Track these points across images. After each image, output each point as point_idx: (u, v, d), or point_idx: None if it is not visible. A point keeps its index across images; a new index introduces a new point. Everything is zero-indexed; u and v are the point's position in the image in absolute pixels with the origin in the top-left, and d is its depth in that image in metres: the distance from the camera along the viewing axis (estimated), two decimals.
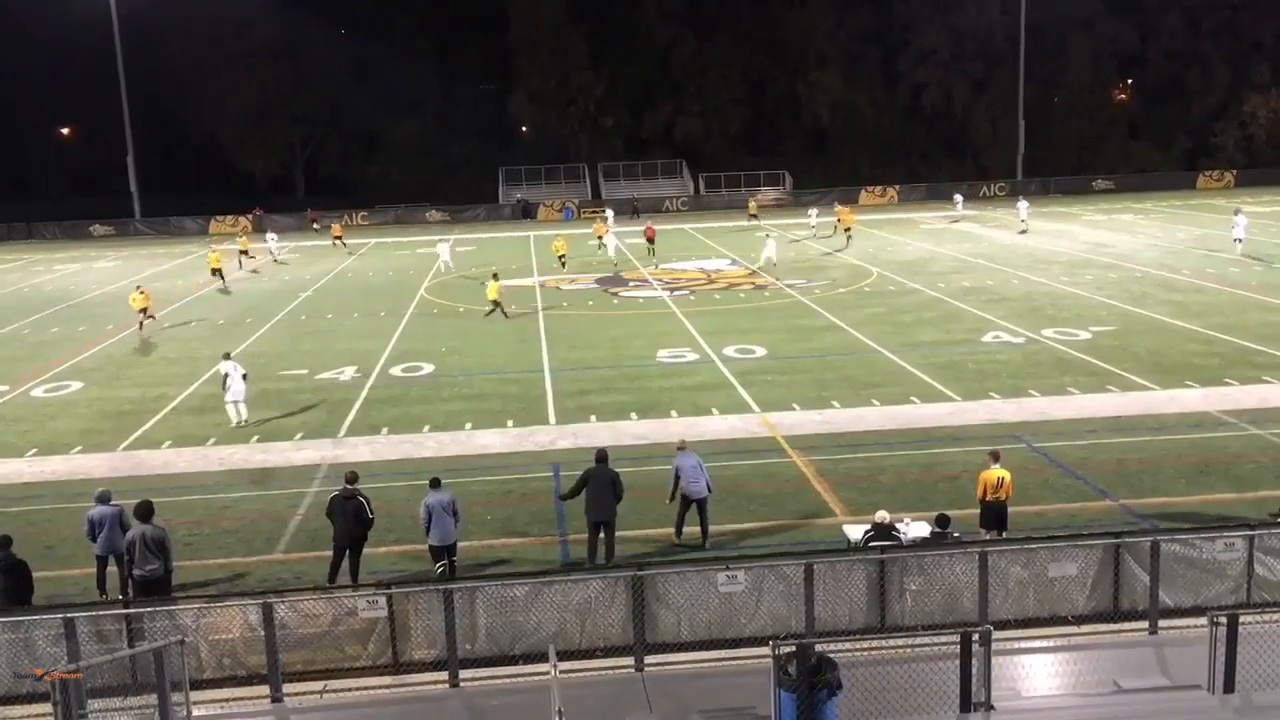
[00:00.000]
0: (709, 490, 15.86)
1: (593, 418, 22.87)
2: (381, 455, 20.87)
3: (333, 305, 38.72)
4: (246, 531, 17.27)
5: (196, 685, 10.80)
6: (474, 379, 26.86)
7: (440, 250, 47.12)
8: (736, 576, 12.20)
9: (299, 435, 22.35)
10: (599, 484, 15.22)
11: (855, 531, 14.58)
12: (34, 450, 21.93)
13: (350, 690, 11.67)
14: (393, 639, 11.92)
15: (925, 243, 51.48)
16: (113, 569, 14.66)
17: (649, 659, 11.94)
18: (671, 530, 16.09)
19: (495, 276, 35.33)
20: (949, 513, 14.40)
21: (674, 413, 23.06)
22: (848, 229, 49.82)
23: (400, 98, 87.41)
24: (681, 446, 16.42)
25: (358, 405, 24.65)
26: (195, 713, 10.04)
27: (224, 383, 23.11)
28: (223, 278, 44.50)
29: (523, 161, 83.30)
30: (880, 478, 18.82)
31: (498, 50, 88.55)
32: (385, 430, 22.54)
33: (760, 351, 28.73)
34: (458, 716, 11.11)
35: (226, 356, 24.09)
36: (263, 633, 11.50)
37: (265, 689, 11.50)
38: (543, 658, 10.27)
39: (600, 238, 50.35)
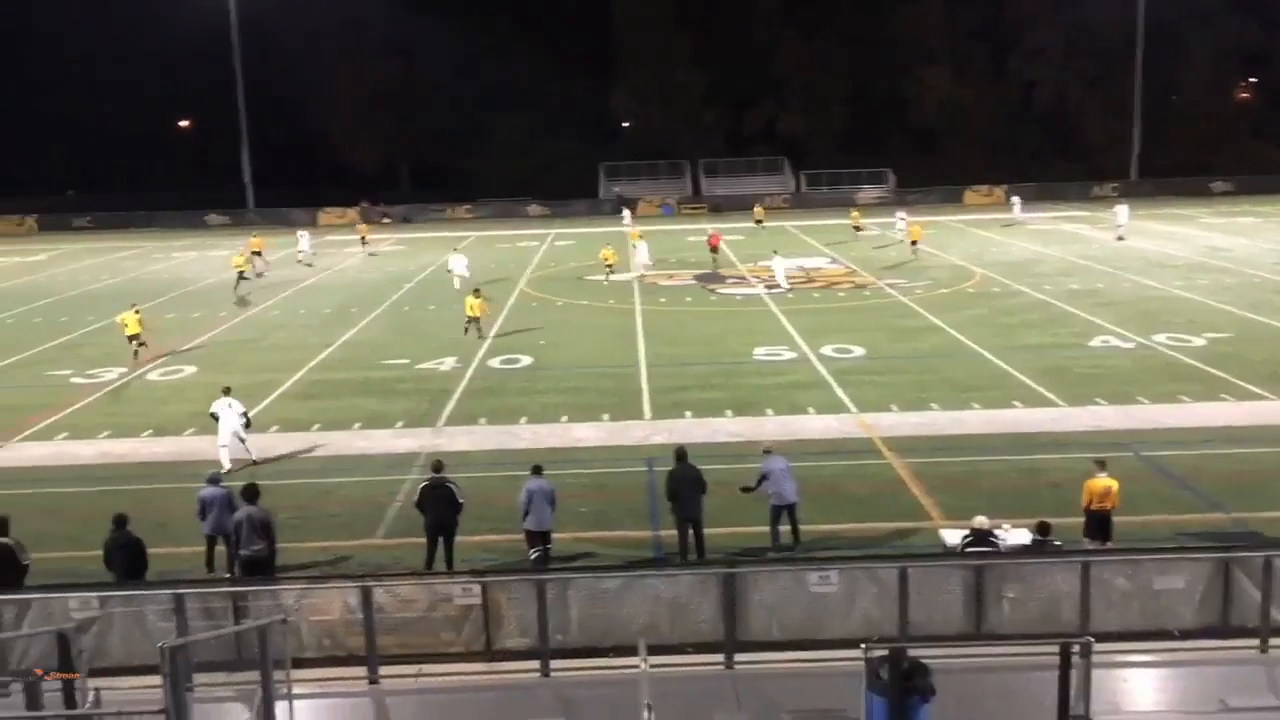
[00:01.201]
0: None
1: (687, 414, 22.87)
2: (479, 445, 21.17)
3: (435, 297, 39.38)
4: (347, 516, 17.69)
5: (297, 664, 11.08)
6: (571, 372, 27.07)
7: (453, 265, 41.44)
8: (829, 577, 12.09)
9: (399, 424, 22.79)
10: (684, 481, 15.24)
11: (952, 536, 14.32)
12: (149, 431, 22.76)
13: (444, 675, 11.86)
14: (486, 626, 12.07)
15: (1032, 243, 50.31)
16: (221, 548, 15.16)
17: (739, 657, 11.91)
18: (761, 528, 15.98)
19: (476, 293, 31.73)
20: (1050, 520, 14.06)
21: (769, 411, 22.93)
22: (914, 242, 48.21)
23: (504, 93, 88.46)
24: (768, 451, 16.32)
25: (457, 395, 25.04)
26: (295, 690, 10.30)
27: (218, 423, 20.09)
28: (241, 276, 41.66)
29: (623, 157, 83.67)
30: (979, 482, 18.46)
31: (602, 46, 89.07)
32: (483, 420, 22.86)
33: (858, 351, 28.40)
34: (548, 706, 11.21)
35: (226, 392, 20.62)
36: (361, 615, 11.75)
37: (363, 670, 11.76)
38: (633, 651, 10.31)
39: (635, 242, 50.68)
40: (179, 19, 78.87)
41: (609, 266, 43.40)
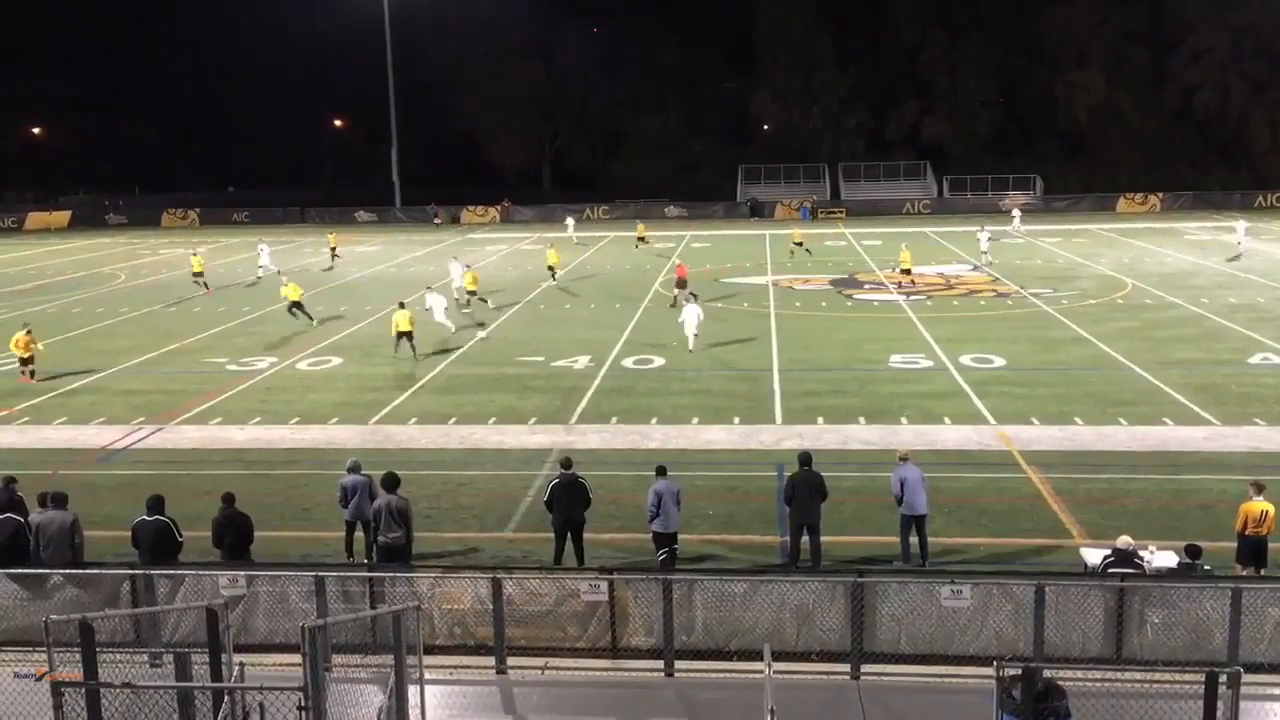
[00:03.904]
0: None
1: (820, 420, 22.63)
2: (609, 444, 21.36)
3: (570, 296, 39.88)
4: (480, 508, 18.06)
5: (428, 650, 11.37)
6: (703, 374, 27.07)
7: (452, 270, 39.72)
8: (962, 591, 11.80)
9: (533, 420, 23.16)
10: (805, 487, 15.09)
11: (1094, 556, 13.83)
12: (296, 419, 23.66)
13: (569, 670, 12.01)
14: (612, 624, 12.17)
15: (1189, 254, 48.16)
16: (360, 534, 15.65)
17: (865, 667, 11.73)
18: (886, 537, 15.68)
19: (402, 305, 29.98)
20: (1201, 543, 13.43)
21: (904, 419, 22.52)
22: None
23: (645, 94, 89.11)
24: (904, 458, 15.99)
25: (589, 394, 25.31)
26: (427, 676, 10.56)
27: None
28: (206, 286, 41.71)
29: (763, 160, 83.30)
30: (1124, 501, 17.77)
31: (743, 48, 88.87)
32: (614, 420, 23.05)
33: (999, 361, 27.66)
34: (671, 706, 11.25)
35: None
36: (491, 606, 11.99)
37: (491, 660, 11.99)
38: (757, 656, 10.26)
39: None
40: (333, 23, 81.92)
41: (550, 268, 43.01)
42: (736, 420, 22.81)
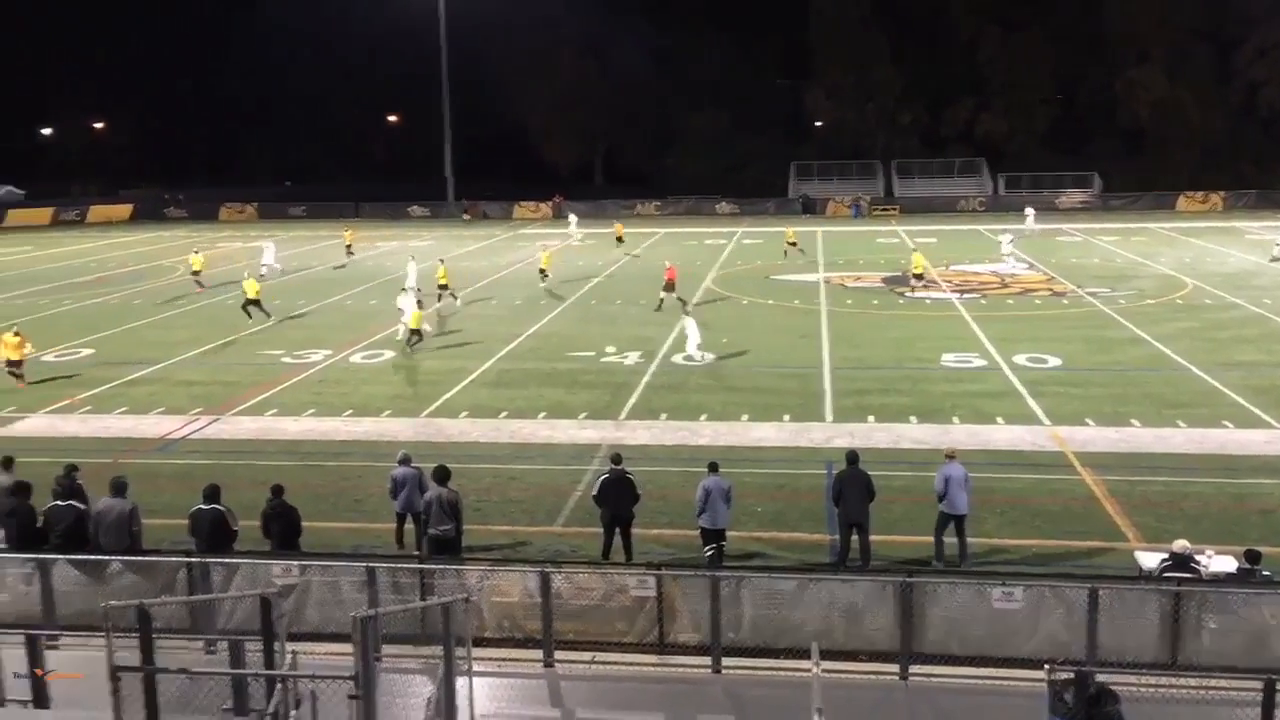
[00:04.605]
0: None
1: (870, 418, 22.48)
2: (659, 440, 21.38)
3: (621, 291, 39.94)
4: (530, 503, 18.16)
5: (477, 642, 11.44)
6: (753, 372, 27.00)
7: (409, 270, 38.21)
8: (1013, 594, 11.66)
9: (582, 415, 23.23)
10: (852, 485, 15.00)
11: (1149, 559, 13.61)
12: (350, 411, 23.93)
13: (617, 664, 12.04)
14: (660, 619, 12.18)
15: (1252, 254, 47.19)
16: (410, 526, 15.80)
17: (914, 668, 11.64)
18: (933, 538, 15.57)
19: (420, 305, 30.74)
20: (1260, 548, 13.17)
21: (956, 419, 22.30)
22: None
23: (698, 91, 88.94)
24: (950, 456, 15.84)
25: (639, 390, 25.34)
26: (476, 668, 10.64)
27: None
28: (200, 285, 41.35)
29: (815, 156, 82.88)
30: (1182, 504, 17.46)
31: (797, 44, 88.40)
32: (664, 416, 23.06)
33: (1054, 361, 27.29)
34: (718, 702, 11.24)
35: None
36: (539, 600, 12.04)
37: (539, 653, 12.05)
38: (805, 654, 10.21)
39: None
40: (389, 20, 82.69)
41: (541, 271, 41.65)
42: (787, 418, 22.72)
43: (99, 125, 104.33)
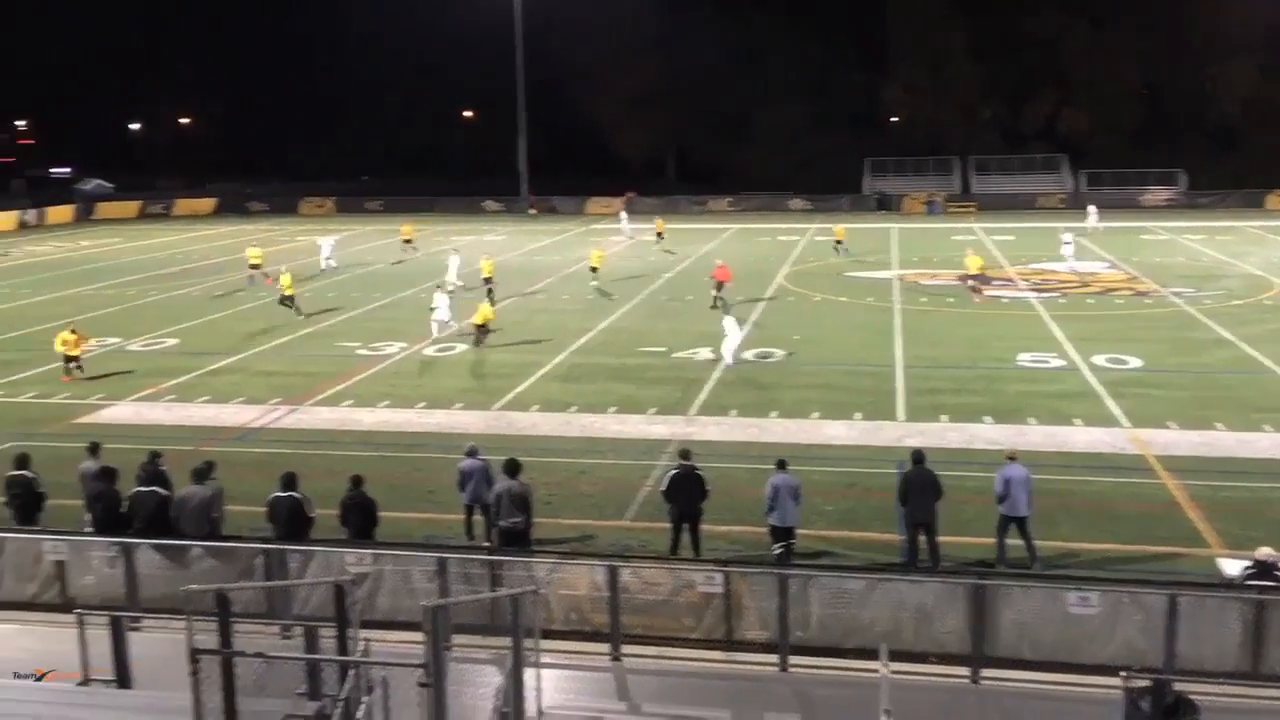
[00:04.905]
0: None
1: (943, 418, 22.19)
2: (728, 436, 21.33)
3: (693, 287, 39.87)
4: (599, 496, 18.25)
5: (546, 634, 11.52)
6: (825, 369, 26.81)
7: (450, 265, 39.14)
8: (1089, 599, 11.44)
9: (652, 410, 23.26)
10: (918, 485, 14.81)
11: (1232, 567, 13.27)
12: (423, 403, 24.25)
13: (684, 660, 12.04)
14: (727, 616, 12.16)
15: None
16: (479, 518, 15.95)
17: (985, 672, 11.48)
18: (1015, 541, 15.29)
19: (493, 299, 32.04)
20: None
21: (1031, 420, 21.92)
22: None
23: (772, 86, 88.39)
24: (1011, 457, 15.57)
25: (709, 386, 25.30)
26: (544, 660, 10.72)
27: None
28: (267, 276, 40.33)
29: (891, 152, 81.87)
30: (1268, 511, 16.97)
31: (874, 39, 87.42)
32: (734, 412, 23.00)
33: (1135, 362, 26.69)
34: (785, 701, 11.19)
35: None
36: (607, 593, 12.10)
37: (606, 647, 12.10)
38: (874, 655, 10.13)
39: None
40: (466, 17, 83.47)
41: (592, 269, 41.15)
42: (858, 416, 22.52)
43: (185, 121, 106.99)
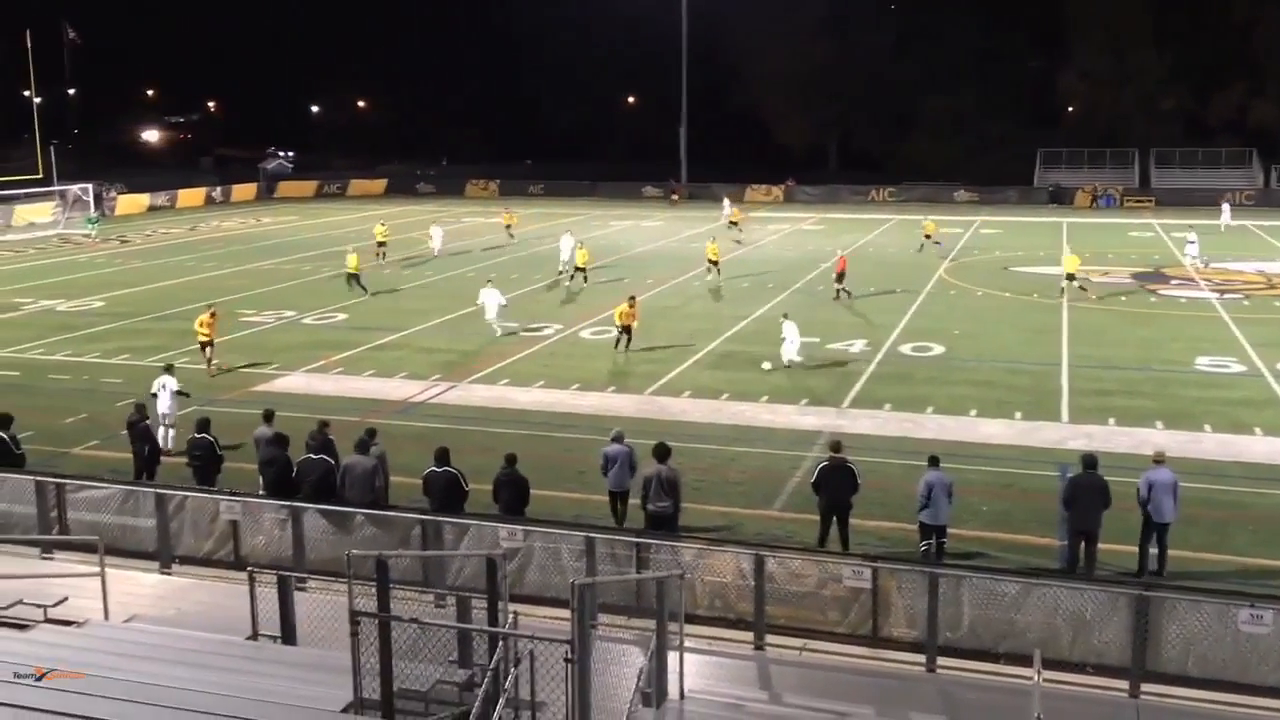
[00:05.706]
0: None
1: (1111, 421, 21.30)
2: (882, 430, 20.97)
3: (850, 278, 39.24)
4: (748, 485, 18.21)
5: (689, 619, 11.59)
6: (984, 365, 26.08)
7: (563, 244, 39.66)
8: (1263, 616, 10.83)
9: (804, 401, 23.05)
10: (1088, 492, 14.22)
11: None
12: (577, 385, 24.62)
13: (827, 653, 11.94)
14: (874, 612, 11.99)
15: None
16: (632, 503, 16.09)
17: (1145, 687, 11.01)
18: (1182, 552, 14.60)
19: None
20: None
21: (1207, 427, 20.84)
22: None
23: (940, 73, 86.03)
24: (1158, 460, 14.78)
25: (864, 378, 24.92)
26: (686, 644, 10.78)
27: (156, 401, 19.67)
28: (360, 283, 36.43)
29: (1063, 143, 78.70)
30: None
31: (1051, 24, 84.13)
32: (888, 406, 22.60)
33: None
34: (931, 702, 10.97)
35: (168, 370, 20.58)
36: (752, 582, 12.08)
37: (749, 635, 12.09)
38: (1026, 661, 9.83)
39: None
40: (631, 2, 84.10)
41: (711, 262, 38.63)
42: (1018, 415, 21.84)
43: (361, 104, 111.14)
